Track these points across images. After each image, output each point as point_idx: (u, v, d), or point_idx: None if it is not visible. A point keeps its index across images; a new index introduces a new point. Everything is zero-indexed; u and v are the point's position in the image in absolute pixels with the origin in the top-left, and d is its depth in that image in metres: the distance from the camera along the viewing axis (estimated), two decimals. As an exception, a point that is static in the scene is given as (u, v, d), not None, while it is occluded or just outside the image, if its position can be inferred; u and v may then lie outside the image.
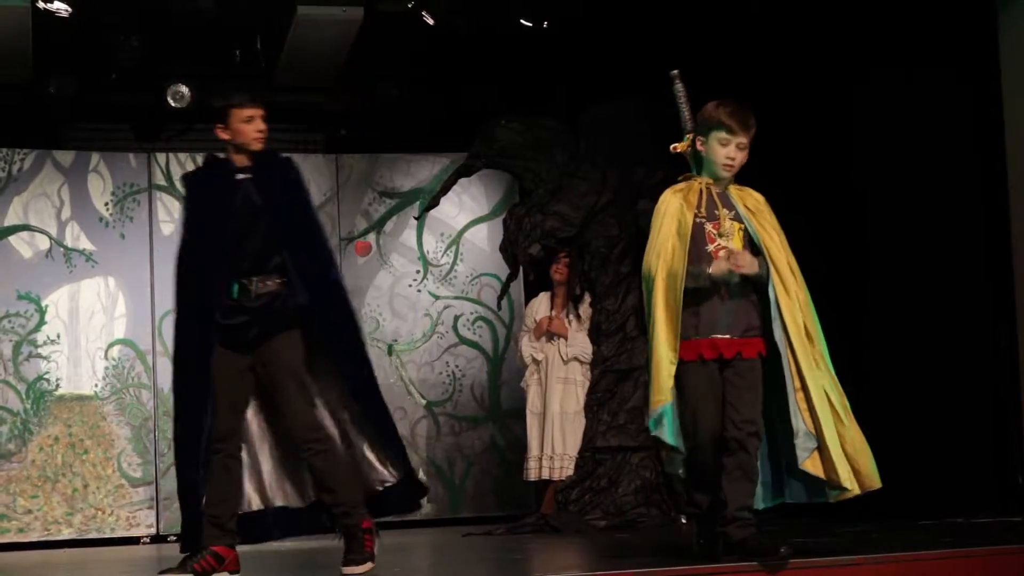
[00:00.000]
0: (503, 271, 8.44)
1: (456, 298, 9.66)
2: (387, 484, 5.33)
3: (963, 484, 6.78)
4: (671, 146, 5.09)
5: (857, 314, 7.42)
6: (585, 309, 8.07)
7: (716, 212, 4.91)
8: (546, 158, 8.09)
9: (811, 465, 4.82)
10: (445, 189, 8.41)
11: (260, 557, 6.06)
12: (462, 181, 8.60)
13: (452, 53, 8.89)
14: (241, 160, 5.31)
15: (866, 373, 7.26)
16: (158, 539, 8.73)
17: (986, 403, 6.86)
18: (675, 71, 5.13)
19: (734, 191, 5.03)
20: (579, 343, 8.04)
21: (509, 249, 8.00)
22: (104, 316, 9.02)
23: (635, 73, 8.14)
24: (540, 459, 8.06)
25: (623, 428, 7.69)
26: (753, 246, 4.92)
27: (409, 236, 9.65)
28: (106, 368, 8.96)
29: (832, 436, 4.80)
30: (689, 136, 5.04)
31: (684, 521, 7.51)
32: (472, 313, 9.66)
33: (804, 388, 4.83)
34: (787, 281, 4.89)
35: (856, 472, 4.81)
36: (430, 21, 8.33)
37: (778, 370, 4.86)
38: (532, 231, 7.89)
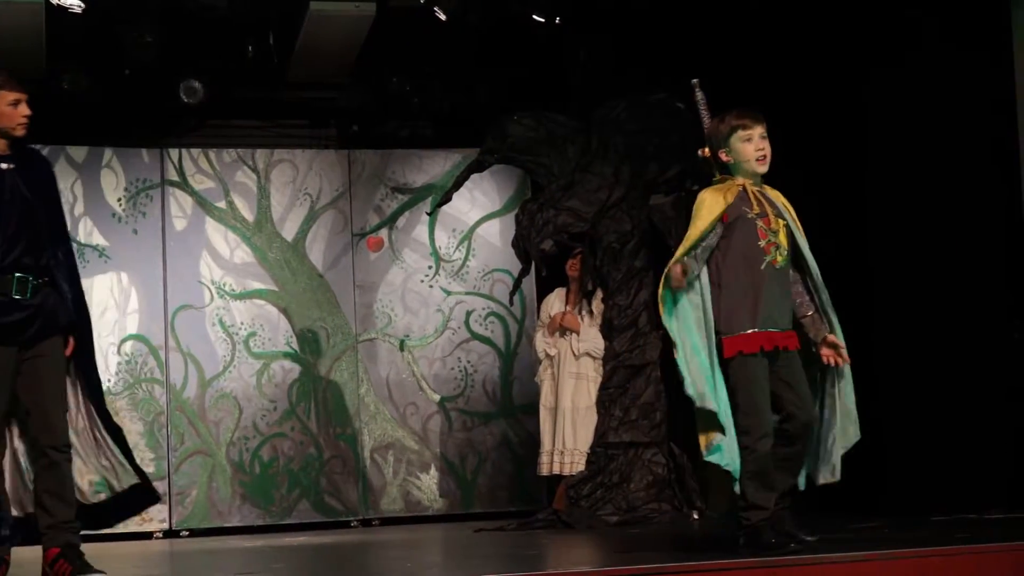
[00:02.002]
0: (515, 267, 8.43)
1: (468, 294, 9.65)
2: (116, 492, 5.19)
3: (976, 480, 6.76)
4: (699, 151, 5.15)
5: (868, 307, 7.40)
6: (597, 304, 8.06)
7: (765, 209, 4.99)
8: (558, 154, 8.09)
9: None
10: (457, 185, 8.40)
11: (268, 552, 6.06)
12: (474, 177, 8.59)
13: (464, 49, 8.89)
14: (1, 147, 5.02)
15: (877, 367, 7.24)
16: (170, 534, 8.73)
17: (999, 398, 6.83)
18: (695, 80, 5.19)
19: (768, 189, 5.11)
20: (591, 338, 8.04)
21: (521, 244, 7.99)
22: (117, 311, 9.02)
23: (648, 68, 8.15)
24: (552, 454, 8.06)
25: (635, 424, 7.69)
26: (794, 241, 5.04)
27: (421, 232, 9.65)
28: (119, 363, 8.96)
29: None
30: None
31: (696, 517, 7.51)
32: (484, 309, 9.65)
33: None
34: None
35: None
36: (442, 17, 8.33)
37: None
38: (544, 227, 7.89)
